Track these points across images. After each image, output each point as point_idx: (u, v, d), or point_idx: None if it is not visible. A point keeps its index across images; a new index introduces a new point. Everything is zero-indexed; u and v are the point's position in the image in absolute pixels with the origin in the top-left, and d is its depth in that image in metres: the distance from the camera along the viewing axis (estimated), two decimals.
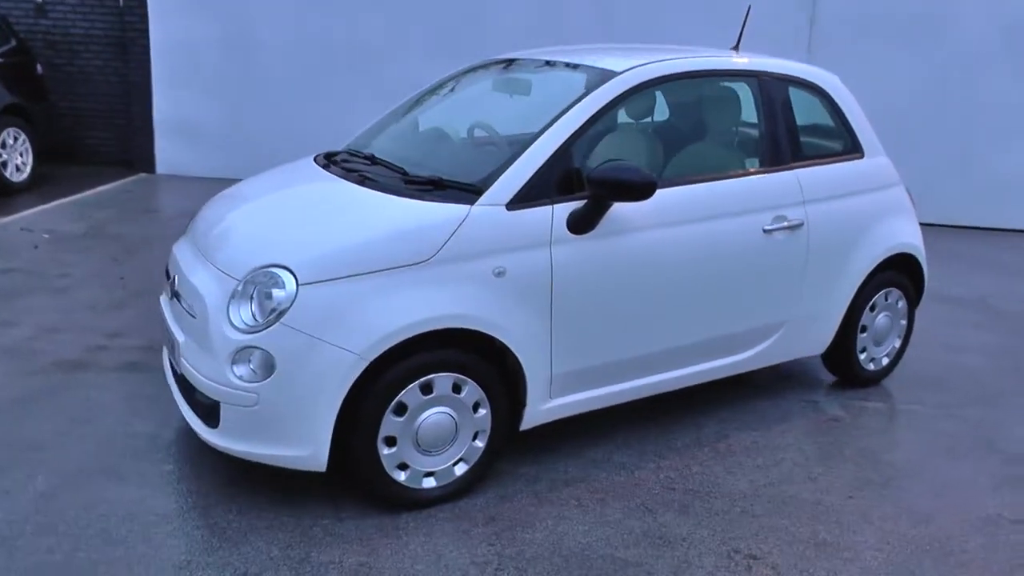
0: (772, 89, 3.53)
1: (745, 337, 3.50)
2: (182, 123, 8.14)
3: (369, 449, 2.69)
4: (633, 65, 3.19)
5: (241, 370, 2.62)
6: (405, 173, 3.09)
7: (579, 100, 3.03)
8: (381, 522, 2.77)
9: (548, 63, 3.58)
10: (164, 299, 3.23)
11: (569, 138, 2.95)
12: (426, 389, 2.73)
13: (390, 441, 2.73)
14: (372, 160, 3.33)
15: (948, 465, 3.34)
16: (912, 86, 7.44)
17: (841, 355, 3.89)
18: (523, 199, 2.85)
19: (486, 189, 2.83)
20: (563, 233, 2.90)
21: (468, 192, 2.85)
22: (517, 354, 2.85)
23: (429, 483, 2.84)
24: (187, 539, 2.63)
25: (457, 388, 2.79)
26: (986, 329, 4.87)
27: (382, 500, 2.83)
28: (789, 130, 3.54)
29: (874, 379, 4.04)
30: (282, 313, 2.58)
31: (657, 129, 3.43)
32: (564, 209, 2.90)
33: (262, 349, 2.58)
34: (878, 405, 3.86)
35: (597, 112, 3.02)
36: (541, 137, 2.93)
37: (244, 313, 2.65)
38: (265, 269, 2.66)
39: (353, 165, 3.33)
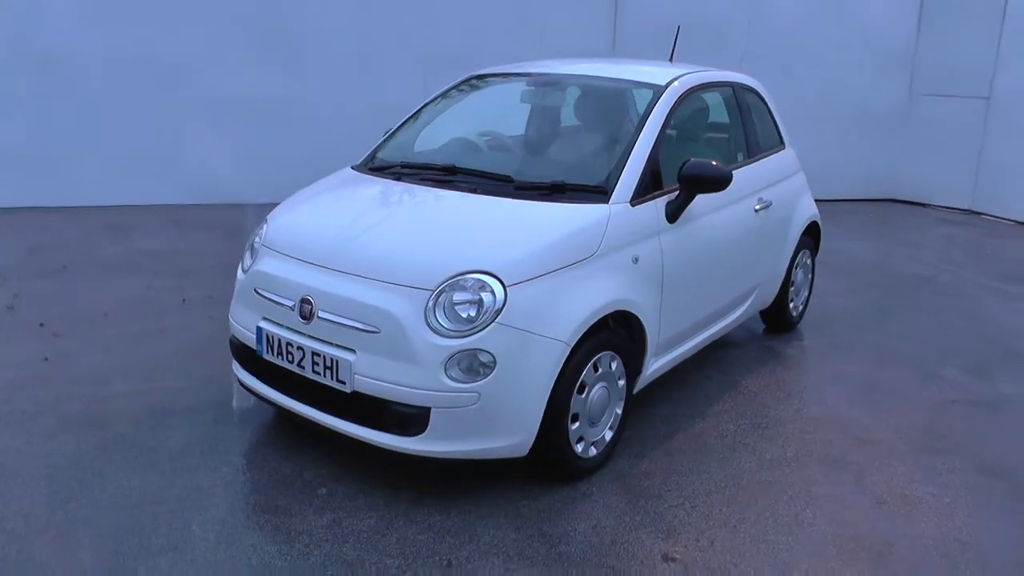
0: (741, 94, 4.35)
1: (741, 298, 4.28)
2: None
3: (561, 427, 2.99)
4: (672, 79, 3.78)
5: (457, 373, 2.77)
6: (511, 180, 3.37)
7: (651, 110, 3.55)
8: (570, 492, 3.08)
9: (570, 77, 4.05)
10: (269, 324, 3.13)
11: (655, 142, 3.46)
12: (594, 367, 3.09)
13: (574, 418, 3.05)
14: (453, 170, 3.52)
15: (883, 372, 4.43)
16: None
17: (778, 306, 4.85)
18: (637, 196, 3.31)
19: (611, 190, 3.25)
20: (664, 223, 3.42)
21: (596, 193, 3.24)
22: (646, 328, 3.32)
23: (592, 452, 3.20)
24: (432, 542, 2.74)
25: (607, 363, 3.19)
26: (830, 278, 6.21)
27: (560, 474, 3.13)
28: (755, 128, 4.39)
29: (794, 324, 5.09)
30: (497, 313, 2.78)
31: (685, 130, 4.05)
32: (662, 202, 3.42)
33: (481, 349, 2.76)
34: (811, 343, 4.90)
35: (665, 119, 3.57)
36: (637, 142, 3.41)
37: (444, 320, 2.79)
38: (464, 276, 2.82)
39: (436, 176, 3.51)
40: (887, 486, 3.27)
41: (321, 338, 2.97)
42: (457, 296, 2.81)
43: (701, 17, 8.59)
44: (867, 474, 3.36)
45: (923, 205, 9.11)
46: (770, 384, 4.24)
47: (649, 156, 3.41)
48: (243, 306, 3.32)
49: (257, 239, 3.45)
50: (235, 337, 3.39)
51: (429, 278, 2.84)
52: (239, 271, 3.47)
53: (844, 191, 9.29)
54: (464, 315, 2.79)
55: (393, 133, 4.11)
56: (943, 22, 8.69)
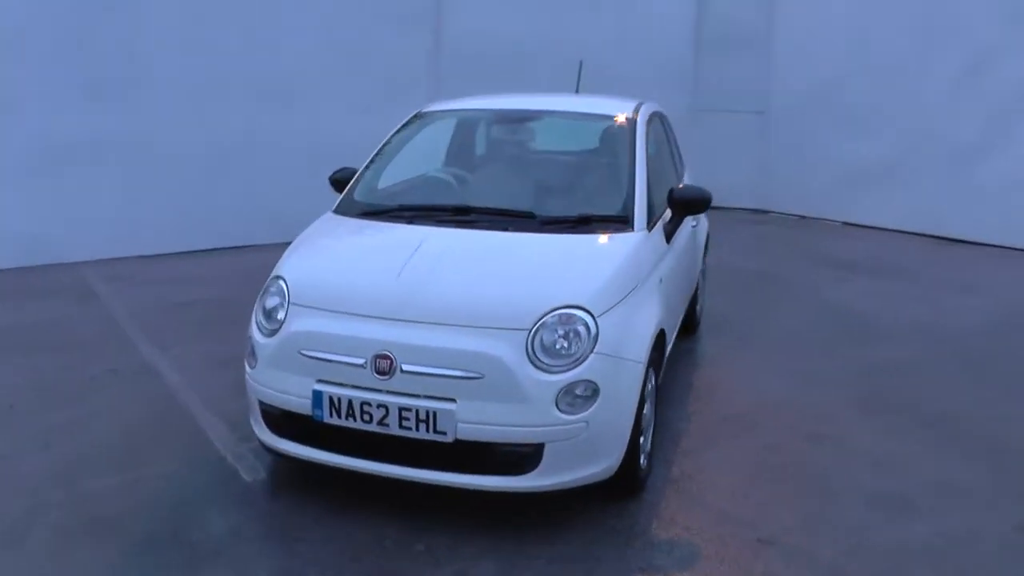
0: (664, 123, 4.82)
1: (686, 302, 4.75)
2: None
3: (637, 443, 3.19)
4: (632, 110, 4.15)
5: (566, 406, 2.86)
6: (534, 215, 3.50)
7: (634, 140, 3.88)
8: (637, 504, 3.28)
9: (536, 113, 4.25)
10: (330, 387, 2.98)
11: (648, 172, 3.78)
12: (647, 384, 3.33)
13: (640, 433, 3.26)
14: (467, 211, 3.57)
15: (794, 357, 5.13)
16: None
17: (691, 308, 5.38)
18: (648, 222, 3.61)
19: (631, 218, 3.51)
20: (664, 244, 3.75)
21: (619, 223, 3.48)
22: (668, 339, 3.62)
23: (644, 462, 3.42)
24: (567, 571, 2.81)
25: (651, 378, 3.43)
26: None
27: (629, 487, 3.29)
28: (677, 150, 4.89)
29: (698, 324, 5.67)
30: (594, 343, 2.92)
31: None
32: (660, 226, 3.75)
33: (586, 380, 2.88)
34: (718, 341, 5.45)
35: (645, 147, 3.91)
36: (636, 171, 3.71)
37: (545, 356, 2.88)
38: (556, 312, 2.92)
39: (449, 216, 3.53)
40: (869, 448, 3.86)
41: (408, 392, 2.89)
42: (551, 333, 2.91)
43: (511, 47, 9.18)
44: (846, 443, 3.93)
45: (719, 208, 10.36)
46: (717, 381, 4.73)
47: (647, 186, 3.73)
48: (282, 371, 3.11)
49: (276, 299, 3.24)
50: (270, 405, 3.16)
51: (523, 318, 2.91)
52: (257, 336, 3.23)
53: None
54: (560, 348, 2.90)
55: (360, 175, 4.02)
56: (718, 50, 10.04)
